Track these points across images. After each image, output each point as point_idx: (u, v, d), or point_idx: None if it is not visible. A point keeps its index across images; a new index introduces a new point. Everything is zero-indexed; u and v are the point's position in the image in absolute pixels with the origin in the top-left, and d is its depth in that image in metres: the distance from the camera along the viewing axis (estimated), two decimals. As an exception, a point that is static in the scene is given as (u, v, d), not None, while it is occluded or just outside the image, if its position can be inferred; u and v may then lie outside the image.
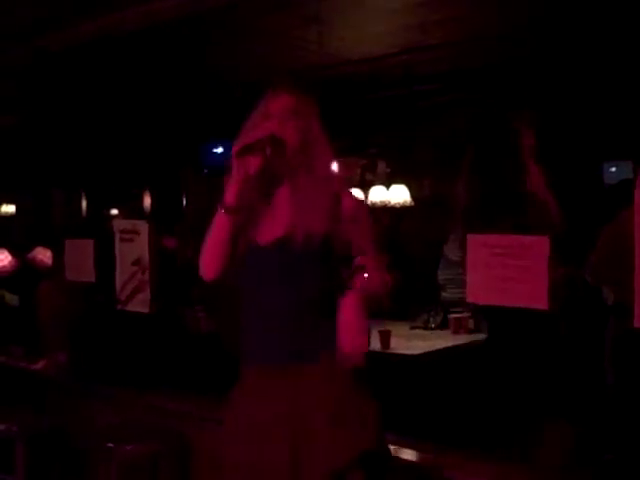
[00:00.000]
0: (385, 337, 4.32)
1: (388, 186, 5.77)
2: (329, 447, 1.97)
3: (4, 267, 5.49)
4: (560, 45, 4.56)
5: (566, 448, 2.66)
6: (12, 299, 5.63)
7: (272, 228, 2.12)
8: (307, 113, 2.16)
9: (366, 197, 5.88)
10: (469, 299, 2.81)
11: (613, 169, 5.83)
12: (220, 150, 6.72)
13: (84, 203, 7.54)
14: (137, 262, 3.77)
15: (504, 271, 2.61)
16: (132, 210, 7.47)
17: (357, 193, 6.07)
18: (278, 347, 2.10)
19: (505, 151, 3.24)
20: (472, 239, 2.73)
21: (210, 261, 2.16)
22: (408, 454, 2.66)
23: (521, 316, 2.70)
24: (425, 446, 2.71)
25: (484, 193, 3.24)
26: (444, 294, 5.21)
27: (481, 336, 4.29)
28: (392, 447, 2.66)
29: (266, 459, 2.02)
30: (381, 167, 7.06)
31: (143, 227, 3.76)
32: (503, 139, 3.28)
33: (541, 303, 2.54)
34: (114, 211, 8.05)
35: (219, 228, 2.10)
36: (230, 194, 2.07)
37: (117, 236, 3.86)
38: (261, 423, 2.06)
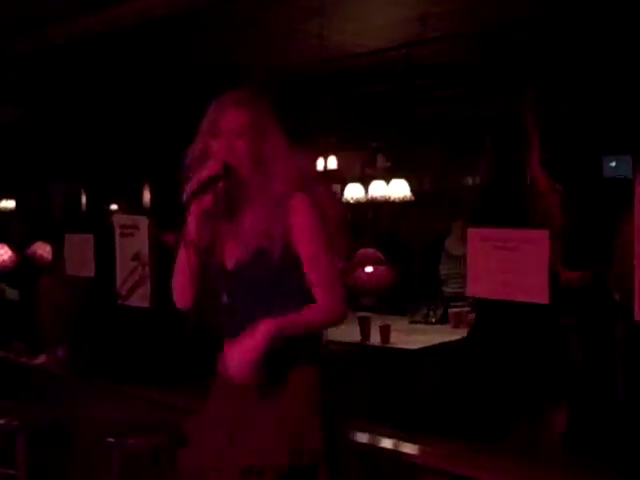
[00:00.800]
0: (385, 332, 4.33)
1: (388, 181, 5.76)
2: (249, 448, 2.04)
3: (4, 262, 5.49)
4: (560, 39, 4.56)
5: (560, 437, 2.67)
6: (12, 294, 5.63)
7: (235, 251, 2.15)
8: (258, 124, 2.11)
9: (366, 192, 5.87)
10: (469, 293, 2.81)
11: (613, 164, 5.83)
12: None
13: (84, 198, 7.53)
14: (137, 257, 3.76)
15: (504, 265, 2.61)
16: (132, 205, 7.47)
17: (357, 188, 6.07)
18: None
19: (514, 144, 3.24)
20: (472, 233, 2.73)
21: (181, 292, 2.27)
22: (408, 448, 2.66)
23: (516, 307, 2.69)
24: (426, 440, 2.71)
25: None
26: (445, 288, 5.22)
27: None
28: (392, 441, 2.69)
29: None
30: (381, 161, 7.06)
31: (143, 222, 3.76)
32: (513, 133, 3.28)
33: (542, 297, 2.53)
34: (114, 206, 8.05)
35: (184, 261, 2.16)
36: (190, 230, 2.11)
37: (117, 231, 3.86)
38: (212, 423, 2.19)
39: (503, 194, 3.20)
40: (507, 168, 3.23)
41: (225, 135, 2.09)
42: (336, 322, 2.13)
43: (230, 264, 2.17)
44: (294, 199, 2.07)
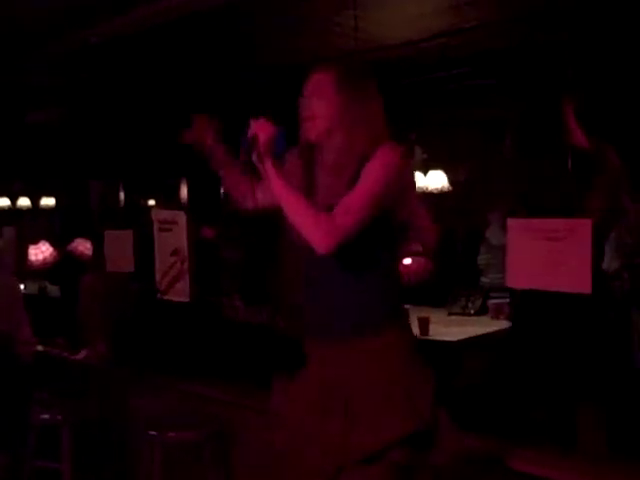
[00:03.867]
0: (424, 324, 4.30)
1: (425, 172, 5.72)
2: (374, 429, 1.97)
3: (45, 259, 5.58)
4: (597, 23, 4.47)
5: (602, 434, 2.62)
6: (53, 291, 5.72)
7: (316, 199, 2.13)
8: (326, 86, 2.11)
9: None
10: (509, 283, 2.78)
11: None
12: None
13: (122, 194, 7.60)
14: (176, 252, 3.79)
15: (545, 255, 2.58)
16: (169, 201, 7.53)
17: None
18: (335, 320, 2.10)
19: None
20: (512, 223, 2.70)
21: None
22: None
23: (559, 298, 2.65)
24: (466, 434, 2.69)
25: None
26: (484, 279, 5.17)
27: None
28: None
29: (317, 430, 2.05)
30: (417, 153, 7.00)
31: (181, 217, 3.78)
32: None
33: (584, 287, 2.50)
34: (151, 202, 8.11)
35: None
36: None
37: (156, 226, 3.89)
38: (316, 395, 2.09)
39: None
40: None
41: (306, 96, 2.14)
42: (312, 242, 1.99)
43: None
44: (383, 147, 2.05)
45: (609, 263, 3.80)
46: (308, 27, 4.59)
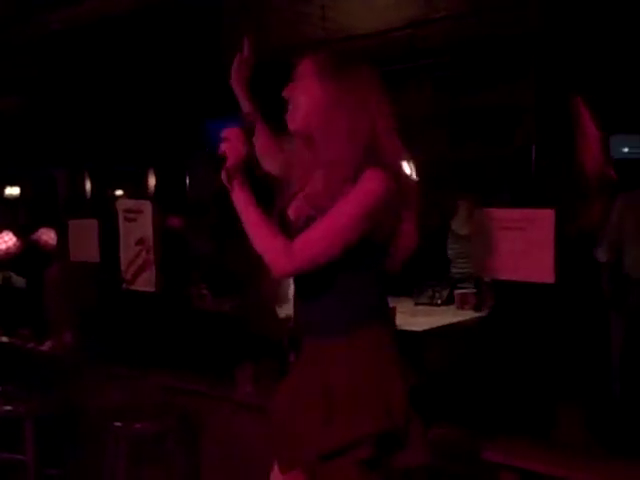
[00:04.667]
0: (391, 314, 4.31)
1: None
2: (345, 424, 1.96)
3: (9, 249, 5.50)
4: (567, 16, 4.49)
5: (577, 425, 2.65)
6: (19, 281, 5.65)
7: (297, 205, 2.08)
8: (308, 74, 2.04)
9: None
10: (476, 273, 2.80)
11: (625, 149, 5.67)
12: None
13: (88, 184, 7.52)
14: (141, 241, 3.77)
15: (510, 245, 2.59)
16: (137, 190, 7.46)
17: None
18: (311, 318, 2.09)
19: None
20: (478, 213, 2.71)
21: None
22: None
23: (527, 289, 2.67)
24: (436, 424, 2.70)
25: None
26: (453, 269, 5.20)
27: (486, 312, 4.29)
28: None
29: (297, 421, 2.05)
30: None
31: (147, 206, 3.75)
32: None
33: (548, 277, 2.52)
34: (119, 192, 8.03)
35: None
36: None
37: (121, 216, 3.86)
38: (298, 389, 2.09)
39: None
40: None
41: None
42: (270, 267, 1.95)
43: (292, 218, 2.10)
44: (366, 174, 1.91)
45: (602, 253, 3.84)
46: (276, 18, 4.55)
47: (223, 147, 1.94)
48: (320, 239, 1.91)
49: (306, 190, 2.07)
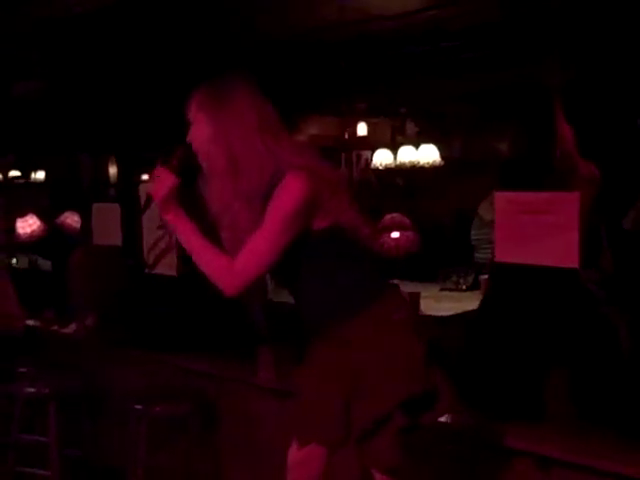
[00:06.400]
0: (414, 299, 4.27)
1: (417, 146, 5.67)
2: (376, 400, 2.07)
3: (33, 232, 5.55)
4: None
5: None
6: (44, 264, 5.69)
7: None
8: (192, 108, 2.15)
9: (395, 158, 5.79)
10: (497, 258, 2.74)
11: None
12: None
13: (113, 168, 7.55)
14: (163, 226, 3.75)
15: (533, 229, 2.54)
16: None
17: (386, 154, 5.98)
18: (315, 313, 2.22)
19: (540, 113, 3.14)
20: (500, 197, 2.66)
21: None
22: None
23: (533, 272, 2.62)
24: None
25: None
26: (477, 255, 5.14)
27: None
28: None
29: (323, 405, 2.16)
30: (410, 127, 6.95)
31: (169, 190, 3.73)
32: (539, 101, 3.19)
33: (572, 261, 2.47)
34: (145, 176, 8.04)
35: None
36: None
37: (143, 200, 3.84)
38: (326, 372, 2.19)
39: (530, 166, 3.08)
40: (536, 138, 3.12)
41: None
42: (219, 287, 2.12)
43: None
44: (284, 181, 2.03)
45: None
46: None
47: (150, 188, 2.16)
48: (258, 253, 2.05)
49: (229, 222, 2.14)
